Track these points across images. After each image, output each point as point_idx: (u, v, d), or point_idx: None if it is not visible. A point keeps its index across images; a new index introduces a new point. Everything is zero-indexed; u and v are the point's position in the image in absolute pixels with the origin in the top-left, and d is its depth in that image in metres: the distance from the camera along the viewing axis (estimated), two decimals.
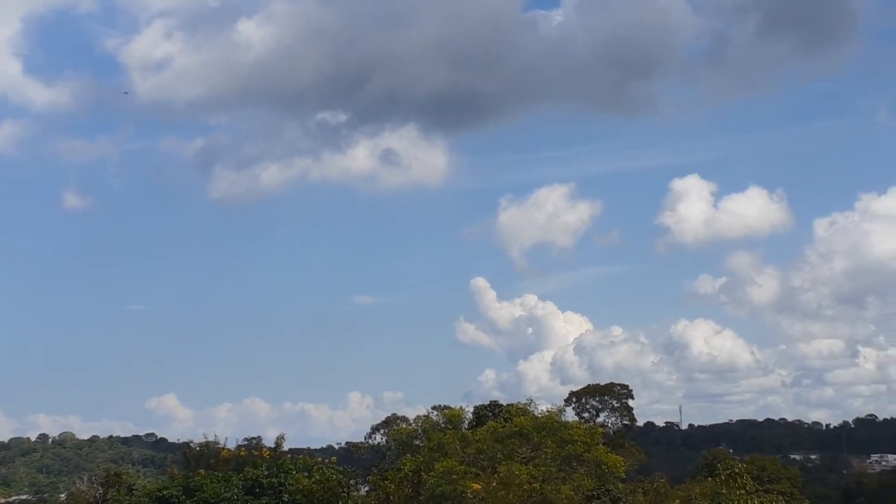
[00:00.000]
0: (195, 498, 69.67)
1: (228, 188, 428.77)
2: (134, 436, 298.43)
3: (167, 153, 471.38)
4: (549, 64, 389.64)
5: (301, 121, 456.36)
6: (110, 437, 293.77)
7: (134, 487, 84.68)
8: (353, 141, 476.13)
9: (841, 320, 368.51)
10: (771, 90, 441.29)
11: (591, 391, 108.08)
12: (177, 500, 69.50)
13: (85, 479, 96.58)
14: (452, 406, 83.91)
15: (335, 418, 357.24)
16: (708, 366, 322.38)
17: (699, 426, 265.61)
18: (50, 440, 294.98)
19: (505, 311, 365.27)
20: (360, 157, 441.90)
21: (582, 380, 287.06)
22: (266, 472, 72.15)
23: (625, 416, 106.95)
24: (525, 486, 56.72)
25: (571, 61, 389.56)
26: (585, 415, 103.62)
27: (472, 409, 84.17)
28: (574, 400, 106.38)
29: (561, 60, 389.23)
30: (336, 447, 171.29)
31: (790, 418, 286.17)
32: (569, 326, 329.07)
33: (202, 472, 76.03)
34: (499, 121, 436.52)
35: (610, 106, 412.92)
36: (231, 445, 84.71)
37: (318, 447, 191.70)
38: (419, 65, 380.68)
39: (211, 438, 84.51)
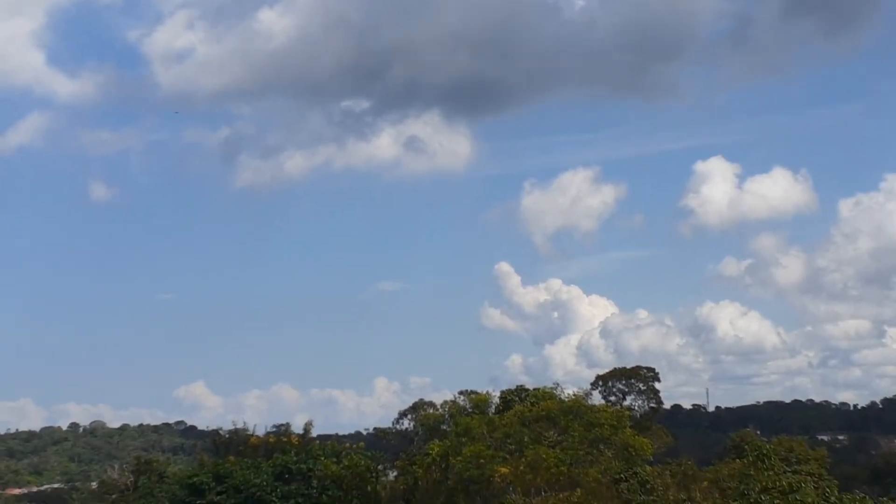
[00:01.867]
0: (225, 484, 70.36)
1: (253, 177, 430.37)
2: (164, 423, 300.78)
3: (191, 143, 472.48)
4: (571, 48, 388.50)
5: (324, 109, 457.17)
6: (140, 425, 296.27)
7: (165, 474, 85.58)
8: (377, 128, 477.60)
9: (867, 300, 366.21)
10: (794, 72, 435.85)
11: (618, 374, 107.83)
12: (207, 487, 70.20)
13: (116, 466, 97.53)
14: (479, 391, 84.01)
15: (363, 404, 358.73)
16: (734, 348, 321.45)
17: (726, 408, 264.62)
18: (81, 429, 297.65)
19: (530, 296, 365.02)
20: (384, 144, 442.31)
21: (608, 363, 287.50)
22: (295, 459, 72.76)
23: (651, 398, 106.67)
24: (553, 470, 56.77)
25: (593, 45, 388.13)
26: (612, 398, 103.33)
27: (498, 394, 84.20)
28: (600, 383, 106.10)
29: (583, 44, 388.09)
30: (364, 433, 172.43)
31: (817, 399, 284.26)
32: (594, 310, 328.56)
33: (232, 458, 76.80)
34: (521, 106, 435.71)
35: (632, 89, 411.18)
36: (260, 432, 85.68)
37: (346, 433, 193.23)
38: (440, 52, 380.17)
39: (240, 425, 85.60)
